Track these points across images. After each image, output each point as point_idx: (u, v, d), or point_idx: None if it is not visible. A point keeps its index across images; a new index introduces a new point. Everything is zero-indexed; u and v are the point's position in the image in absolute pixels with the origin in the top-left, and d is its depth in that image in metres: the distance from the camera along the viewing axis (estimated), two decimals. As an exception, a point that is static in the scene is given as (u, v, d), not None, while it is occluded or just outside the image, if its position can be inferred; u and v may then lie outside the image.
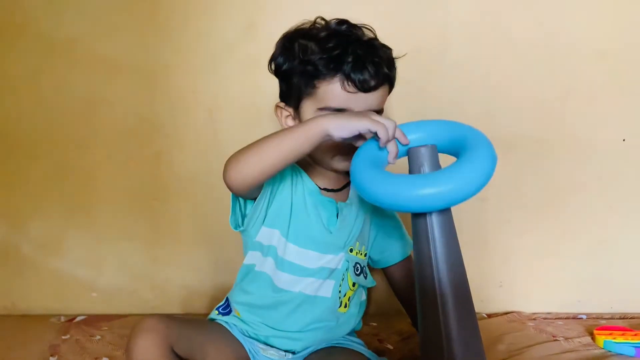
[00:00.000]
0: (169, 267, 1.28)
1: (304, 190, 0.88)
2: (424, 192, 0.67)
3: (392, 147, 0.75)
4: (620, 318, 1.23)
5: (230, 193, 0.84)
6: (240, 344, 0.88)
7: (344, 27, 0.84)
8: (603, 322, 1.20)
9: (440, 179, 0.68)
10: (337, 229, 0.89)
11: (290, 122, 0.88)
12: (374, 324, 1.17)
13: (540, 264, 1.29)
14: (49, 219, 1.25)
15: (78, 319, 1.20)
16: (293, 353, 0.89)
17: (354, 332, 0.96)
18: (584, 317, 1.24)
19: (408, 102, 1.20)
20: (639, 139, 1.25)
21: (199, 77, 1.23)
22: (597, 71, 1.25)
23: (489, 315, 1.24)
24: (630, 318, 1.23)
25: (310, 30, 0.85)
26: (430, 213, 0.72)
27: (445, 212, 0.73)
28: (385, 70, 0.83)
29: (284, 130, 0.77)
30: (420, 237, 0.74)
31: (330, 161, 0.86)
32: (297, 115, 0.86)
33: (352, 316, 0.93)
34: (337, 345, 0.91)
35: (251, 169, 0.76)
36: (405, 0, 1.23)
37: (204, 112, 1.24)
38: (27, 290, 1.26)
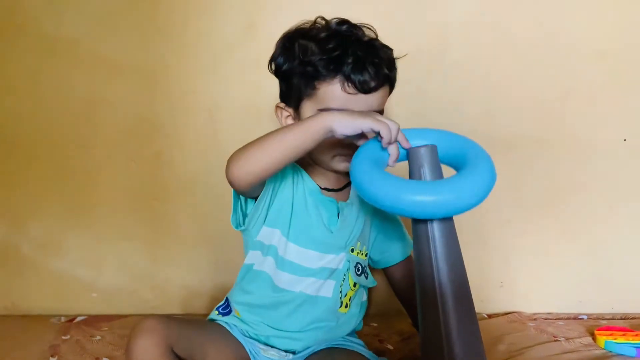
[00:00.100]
0: (169, 267, 1.28)
1: (305, 190, 0.88)
2: (424, 199, 0.67)
3: (393, 150, 0.75)
4: (621, 318, 1.23)
5: (232, 192, 0.84)
6: (241, 344, 0.87)
7: (344, 27, 0.84)
8: (604, 322, 1.20)
9: (442, 187, 0.68)
10: (338, 229, 0.89)
11: (290, 122, 0.87)
12: (375, 324, 1.17)
13: (540, 264, 1.29)
14: (49, 219, 1.25)
15: (78, 319, 1.20)
16: (293, 353, 0.89)
17: (354, 333, 0.96)
18: (585, 317, 1.24)
19: (408, 102, 1.20)
20: (640, 139, 1.26)
21: (199, 77, 1.23)
22: (597, 71, 1.25)
23: (490, 316, 1.24)
24: (632, 318, 1.23)
25: (311, 31, 0.85)
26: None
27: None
28: (386, 71, 0.83)
29: (287, 126, 0.77)
30: (420, 238, 0.74)
31: (330, 162, 0.86)
32: (297, 115, 0.86)
33: (353, 316, 0.93)
34: (337, 346, 0.91)
35: (254, 165, 0.76)
36: (405, 0, 1.23)
37: (204, 112, 1.24)
38: (27, 290, 1.26)
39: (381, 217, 0.96)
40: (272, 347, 0.88)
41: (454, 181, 0.69)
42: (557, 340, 1.09)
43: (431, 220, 0.72)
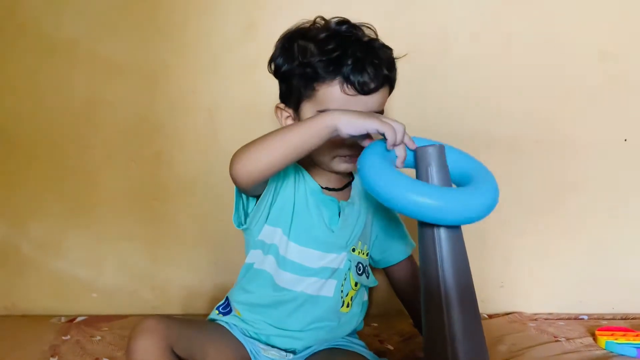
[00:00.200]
0: (169, 267, 1.28)
1: (306, 189, 0.88)
2: (435, 204, 0.67)
3: (400, 152, 0.74)
4: (621, 319, 1.23)
5: (234, 191, 0.84)
6: (241, 344, 0.87)
7: (344, 27, 0.84)
8: (604, 322, 1.20)
9: (451, 195, 0.69)
10: (339, 228, 0.89)
11: (290, 122, 0.87)
12: (375, 324, 1.17)
13: (541, 265, 1.29)
14: (49, 219, 1.25)
15: (78, 319, 1.20)
16: (294, 353, 0.89)
17: (355, 333, 0.96)
18: (586, 317, 1.24)
19: (408, 102, 1.20)
20: (640, 138, 1.26)
21: (199, 77, 1.23)
22: (597, 71, 1.25)
23: (490, 316, 1.23)
24: (632, 319, 1.22)
25: (310, 31, 0.85)
26: None
27: None
28: (385, 71, 0.83)
29: (292, 125, 0.77)
30: (426, 238, 0.73)
31: (330, 162, 0.86)
32: (297, 116, 0.86)
33: (354, 316, 0.93)
34: (338, 346, 0.91)
35: (259, 163, 0.76)
36: (405, 0, 1.23)
37: (204, 112, 1.24)
38: (28, 290, 1.26)
39: (382, 216, 0.96)
40: (273, 346, 0.88)
41: (464, 191, 0.69)
42: (557, 341, 1.09)
43: None
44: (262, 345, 0.88)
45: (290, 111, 0.87)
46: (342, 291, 0.90)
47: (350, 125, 0.72)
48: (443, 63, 1.24)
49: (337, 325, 0.90)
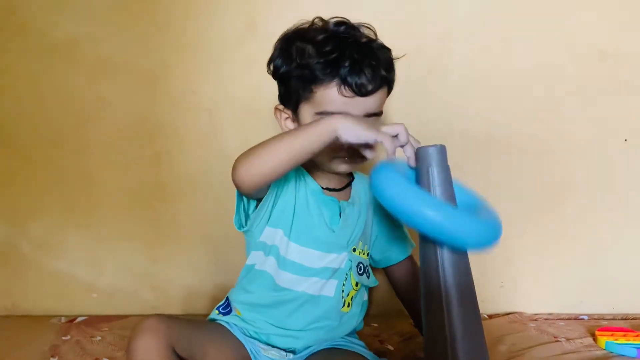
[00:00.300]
0: (169, 268, 1.28)
1: (307, 190, 0.88)
2: (452, 229, 0.68)
3: (409, 152, 0.75)
4: (622, 319, 1.23)
5: (235, 193, 0.84)
6: (241, 344, 0.87)
7: (342, 28, 0.83)
8: (605, 323, 1.20)
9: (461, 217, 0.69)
10: (340, 228, 0.89)
11: (290, 124, 0.87)
12: (375, 324, 1.17)
13: (541, 265, 1.29)
14: (49, 219, 1.25)
15: (78, 319, 1.20)
16: (294, 353, 0.89)
17: (355, 333, 0.96)
18: (586, 317, 1.24)
19: (408, 103, 1.20)
20: (641, 138, 1.25)
21: (199, 77, 1.23)
22: (598, 71, 1.25)
23: (490, 316, 1.23)
24: (632, 319, 1.22)
25: (308, 32, 0.84)
26: None
27: None
28: (383, 73, 0.82)
29: (294, 130, 0.78)
30: (427, 239, 0.73)
31: (329, 163, 0.86)
32: (296, 118, 0.86)
33: (354, 316, 0.93)
34: (337, 346, 0.91)
35: (261, 168, 0.76)
36: (405, 0, 1.23)
37: (204, 112, 1.24)
38: (28, 290, 1.26)
39: (382, 216, 0.96)
40: (273, 346, 0.88)
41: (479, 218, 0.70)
42: (557, 341, 1.09)
43: None
44: (262, 345, 0.88)
45: (289, 112, 0.87)
46: (343, 291, 0.90)
47: (350, 134, 0.73)
48: (443, 63, 1.24)
49: (338, 325, 0.90)
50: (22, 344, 1.06)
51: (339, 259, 0.89)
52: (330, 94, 0.81)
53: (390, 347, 1.07)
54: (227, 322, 0.90)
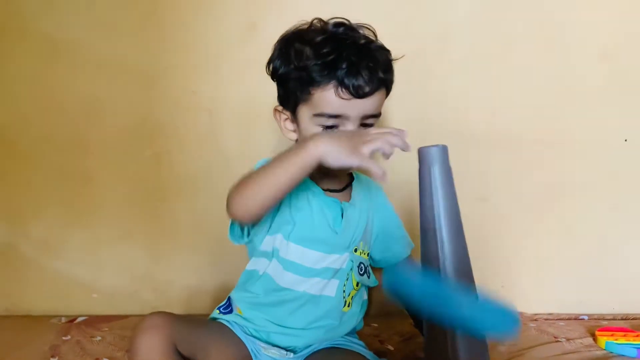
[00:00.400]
0: (169, 268, 1.28)
1: (308, 193, 0.88)
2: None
3: (401, 146, 0.73)
4: (622, 319, 1.23)
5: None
6: (242, 343, 0.87)
7: (340, 29, 0.83)
8: (605, 323, 1.20)
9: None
10: (342, 229, 0.89)
11: (289, 125, 0.87)
12: (375, 324, 1.17)
13: (541, 265, 1.28)
14: (50, 219, 1.25)
15: (79, 319, 1.20)
16: (294, 352, 0.89)
17: (355, 333, 0.96)
18: (586, 318, 1.24)
19: (409, 103, 1.20)
20: (641, 139, 1.25)
21: (199, 77, 1.23)
22: (598, 71, 1.24)
23: (490, 316, 1.23)
24: (632, 319, 1.22)
25: (307, 33, 0.84)
26: (439, 214, 0.72)
27: (452, 217, 0.73)
28: (381, 74, 0.82)
29: (279, 160, 0.76)
30: (427, 239, 0.74)
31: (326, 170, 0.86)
32: (295, 119, 0.86)
33: (353, 315, 0.93)
34: (337, 346, 0.91)
35: (254, 203, 0.77)
36: (405, 0, 1.23)
37: (204, 113, 1.24)
38: (28, 291, 1.26)
39: (382, 216, 0.96)
40: (273, 345, 0.88)
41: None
42: (557, 341, 1.09)
43: (438, 217, 0.72)
44: (262, 344, 0.88)
45: (288, 114, 0.87)
46: (344, 291, 0.90)
47: (334, 160, 0.72)
48: (443, 63, 1.24)
49: (338, 324, 0.91)
50: (22, 344, 1.06)
51: (340, 260, 0.89)
52: (328, 96, 0.80)
53: (390, 347, 1.07)
54: (227, 321, 0.90)
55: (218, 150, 1.24)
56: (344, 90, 0.80)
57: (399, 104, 1.10)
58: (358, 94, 0.80)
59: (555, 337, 1.11)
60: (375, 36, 0.86)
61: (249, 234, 0.87)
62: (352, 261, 0.90)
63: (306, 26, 0.85)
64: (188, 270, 1.28)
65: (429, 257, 0.74)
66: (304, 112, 0.83)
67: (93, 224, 1.25)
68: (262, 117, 1.20)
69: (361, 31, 0.85)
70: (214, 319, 0.92)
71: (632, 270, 1.27)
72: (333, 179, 0.90)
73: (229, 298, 0.94)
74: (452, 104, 1.25)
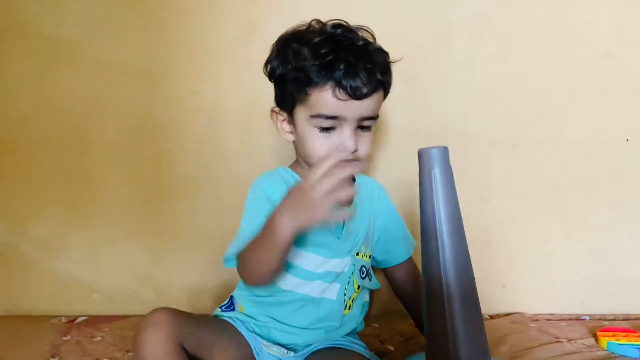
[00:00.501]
0: (170, 268, 1.28)
1: None
2: None
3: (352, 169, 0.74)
4: (623, 319, 1.23)
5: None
6: (245, 341, 0.88)
7: (339, 30, 0.83)
8: (606, 323, 1.19)
9: None
10: (344, 235, 0.89)
11: (286, 126, 0.87)
12: (376, 325, 1.17)
13: (543, 265, 1.28)
14: (50, 220, 1.25)
15: (79, 319, 1.20)
16: (295, 351, 0.89)
17: (355, 333, 0.96)
18: (587, 318, 1.24)
19: (409, 102, 1.20)
20: (642, 139, 1.25)
21: (199, 77, 1.23)
22: (600, 71, 1.24)
23: (492, 317, 1.23)
24: (634, 319, 1.22)
25: (305, 34, 0.84)
26: (439, 216, 0.72)
27: (453, 218, 0.73)
28: (379, 76, 0.81)
29: (260, 245, 0.76)
30: (429, 240, 0.73)
31: None
32: (292, 120, 0.85)
33: (354, 317, 0.93)
34: (338, 345, 0.91)
35: (261, 276, 0.79)
36: (405, 0, 1.22)
37: (204, 113, 1.24)
38: (28, 291, 1.26)
39: (384, 217, 0.96)
40: (274, 343, 0.89)
41: None
42: (559, 342, 1.09)
43: (438, 217, 0.72)
44: (264, 342, 0.88)
45: (285, 115, 0.86)
46: (345, 294, 0.90)
47: (309, 226, 0.71)
48: (443, 63, 1.24)
49: (339, 326, 0.91)
50: (22, 344, 1.06)
51: (342, 263, 0.89)
52: (325, 97, 0.80)
53: (391, 348, 1.07)
54: (230, 317, 0.90)
55: (218, 150, 1.24)
56: (341, 91, 0.79)
57: (399, 104, 1.10)
58: (355, 95, 0.79)
59: (556, 338, 1.11)
60: (374, 38, 0.86)
61: None
62: (354, 265, 0.90)
63: (304, 27, 0.85)
64: (188, 270, 1.28)
65: (429, 259, 0.74)
66: (301, 113, 0.83)
67: (93, 224, 1.25)
68: (262, 117, 1.19)
69: (359, 33, 0.84)
70: (217, 316, 0.92)
71: (634, 270, 1.27)
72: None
73: (232, 297, 0.95)
74: (453, 104, 1.24)
